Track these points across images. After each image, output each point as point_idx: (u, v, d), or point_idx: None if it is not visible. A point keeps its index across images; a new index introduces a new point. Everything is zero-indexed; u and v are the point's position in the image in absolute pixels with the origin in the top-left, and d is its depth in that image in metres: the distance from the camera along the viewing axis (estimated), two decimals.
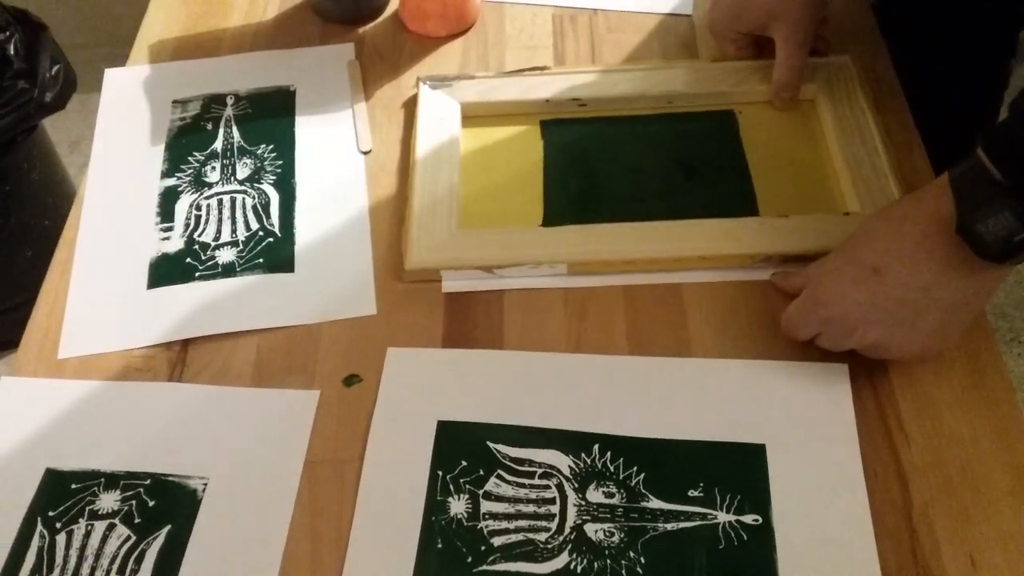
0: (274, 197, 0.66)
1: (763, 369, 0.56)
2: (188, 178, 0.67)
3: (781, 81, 0.67)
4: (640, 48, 0.75)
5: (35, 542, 0.50)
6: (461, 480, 0.52)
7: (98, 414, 0.56)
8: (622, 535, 0.50)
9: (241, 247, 0.63)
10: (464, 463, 0.53)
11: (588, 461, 0.53)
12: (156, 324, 0.59)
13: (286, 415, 0.55)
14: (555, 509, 0.51)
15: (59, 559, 0.50)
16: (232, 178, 0.67)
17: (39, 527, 0.51)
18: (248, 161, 0.68)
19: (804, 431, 0.53)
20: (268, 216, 0.65)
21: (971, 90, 0.88)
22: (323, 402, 0.56)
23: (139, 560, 0.50)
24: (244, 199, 0.66)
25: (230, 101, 0.72)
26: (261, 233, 0.64)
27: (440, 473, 0.53)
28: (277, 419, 0.55)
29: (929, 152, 0.67)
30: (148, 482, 0.53)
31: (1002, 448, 0.52)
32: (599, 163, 0.67)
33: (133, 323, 0.59)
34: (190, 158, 0.68)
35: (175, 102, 0.72)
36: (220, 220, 0.64)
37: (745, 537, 0.50)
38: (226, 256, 0.62)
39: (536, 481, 0.53)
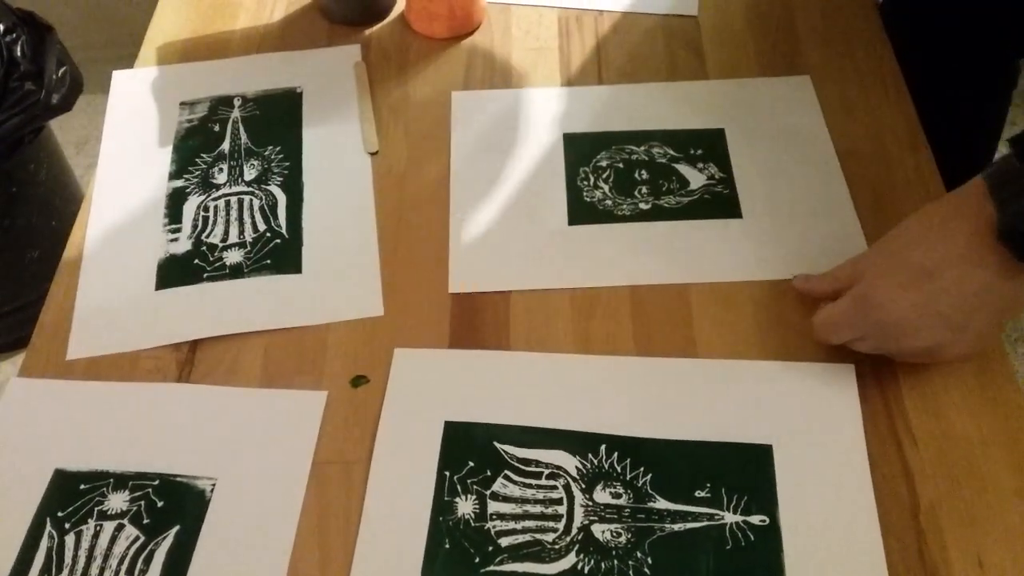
0: (281, 198, 0.66)
1: (769, 370, 0.56)
2: (196, 179, 0.67)
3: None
4: (645, 50, 0.75)
5: (44, 543, 0.51)
6: (468, 481, 0.53)
7: (107, 415, 0.56)
8: (629, 535, 0.50)
9: (249, 248, 0.63)
10: (471, 464, 0.53)
11: (595, 462, 0.53)
12: (164, 325, 0.60)
13: (294, 416, 0.55)
14: (562, 510, 0.51)
15: (68, 559, 0.50)
16: (240, 179, 0.67)
17: (48, 527, 0.51)
18: (255, 163, 0.68)
19: (811, 432, 0.53)
20: (275, 217, 0.65)
21: (979, 89, 0.88)
22: (331, 403, 0.56)
23: (148, 560, 0.50)
24: (252, 200, 0.66)
25: (237, 103, 0.72)
26: (269, 234, 0.64)
27: (447, 473, 0.53)
28: (285, 420, 0.55)
29: (935, 151, 0.67)
30: (157, 482, 0.53)
31: (1010, 449, 0.52)
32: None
33: (141, 324, 0.60)
34: (198, 159, 0.69)
35: (183, 104, 0.72)
36: (228, 221, 0.65)
37: (752, 538, 0.50)
38: (234, 257, 0.63)
39: (543, 482, 0.53)
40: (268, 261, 0.62)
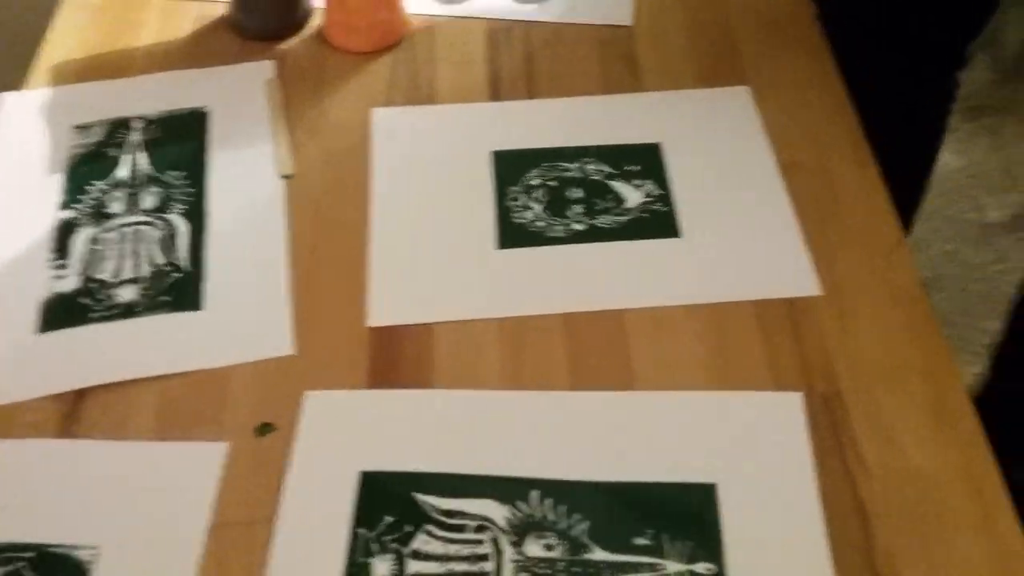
0: (183, 228, 0.60)
1: (711, 401, 0.52)
2: (88, 210, 0.62)
3: None
4: (578, 62, 0.72)
5: None
6: (385, 538, 0.47)
7: None
8: None
9: (144, 284, 0.57)
10: (389, 518, 0.48)
11: (526, 510, 0.48)
12: (46, 373, 0.54)
13: (189, 472, 0.50)
14: (490, 567, 0.46)
15: None
16: (137, 208, 0.61)
17: None
18: (155, 190, 0.62)
19: (756, 467, 0.49)
20: (175, 249, 0.59)
21: (919, 96, 0.87)
22: (232, 455, 0.50)
23: None
24: (150, 231, 0.60)
25: (137, 125, 0.66)
26: (167, 268, 0.58)
27: (361, 531, 0.47)
28: (179, 476, 0.49)
29: (880, 163, 0.64)
30: (32, 554, 0.47)
31: (969, 485, 0.49)
32: None
33: (20, 372, 0.54)
34: (89, 187, 0.63)
35: (77, 127, 0.67)
36: (121, 255, 0.59)
37: None
38: (127, 294, 0.57)
39: (469, 536, 0.48)
40: (165, 298, 0.57)
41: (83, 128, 0.66)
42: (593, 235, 0.61)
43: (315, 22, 0.75)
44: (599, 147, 0.66)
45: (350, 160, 0.65)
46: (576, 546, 0.47)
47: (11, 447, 0.51)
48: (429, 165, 0.65)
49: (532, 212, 0.62)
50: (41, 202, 0.62)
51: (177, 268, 0.58)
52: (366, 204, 0.63)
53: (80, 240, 0.60)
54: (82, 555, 0.47)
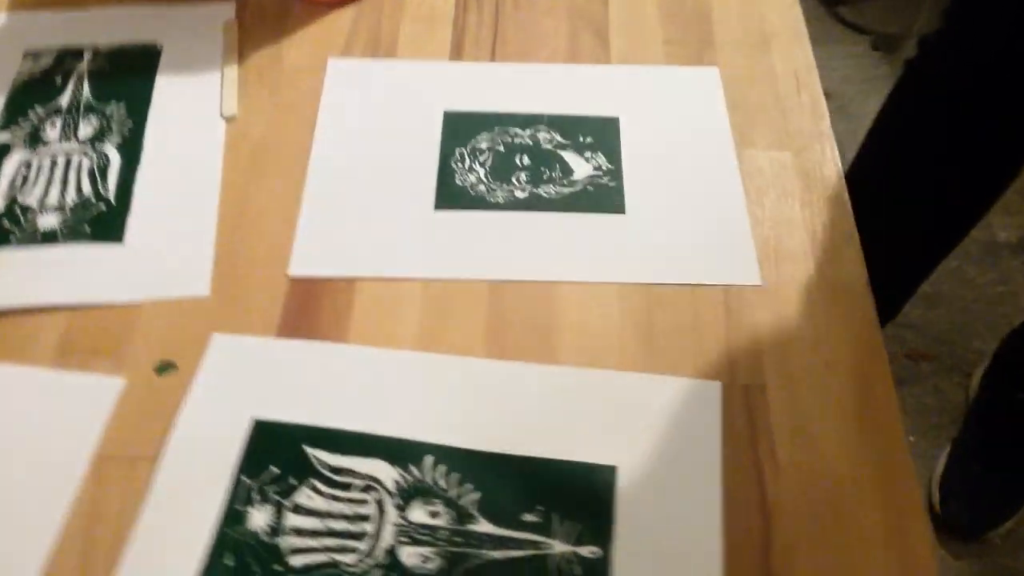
0: (115, 160, 0.59)
1: (628, 382, 0.50)
2: (24, 134, 0.60)
3: None
4: (547, 30, 0.69)
5: None
6: (267, 488, 0.46)
7: None
8: (441, 562, 0.44)
9: (68, 213, 0.56)
10: (275, 470, 0.47)
11: (417, 475, 0.47)
12: None
13: (81, 403, 0.48)
14: (370, 528, 0.45)
15: None
16: (73, 137, 0.60)
17: None
18: (94, 119, 0.61)
19: (662, 454, 0.47)
20: (104, 180, 0.58)
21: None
22: (129, 391, 0.49)
23: None
24: (81, 160, 0.59)
25: (87, 55, 0.65)
26: (93, 199, 0.57)
27: (244, 479, 0.46)
28: (70, 407, 0.48)
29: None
30: None
31: (883, 492, 0.46)
32: None
33: None
34: (30, 112, 0.61)
35: (27, 53, 0.65)
36: (50, 182, 0.58)
37: (580, 572, 0.43)
38: (49, 221, 0.56)
39: (354, 495, 0.46)
40: (86, 228, 0.55)
41: (33, 55, 0.65)
42: (534, 204, 0.59)
43: None
44: (554, 116, 0.63)
45: (299, 108, 0.63)
46: (462, 516, 0.45)
47: None
48: (378, 120, 0.63)
49: (475, 175, 0.60)
50: None
51: (104, 199, 0.57)
52: (307, 153, 0.61)
53: (11, 163, 0.59)
54: None
